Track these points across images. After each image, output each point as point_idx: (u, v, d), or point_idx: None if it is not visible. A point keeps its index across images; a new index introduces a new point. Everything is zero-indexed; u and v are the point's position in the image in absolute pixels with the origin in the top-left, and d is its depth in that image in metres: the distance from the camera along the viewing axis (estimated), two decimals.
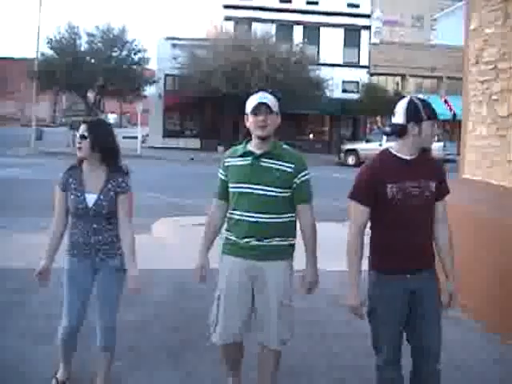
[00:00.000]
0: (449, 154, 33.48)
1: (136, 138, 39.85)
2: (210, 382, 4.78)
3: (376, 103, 39.35)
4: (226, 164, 4.15)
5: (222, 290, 4.13)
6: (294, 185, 4.02)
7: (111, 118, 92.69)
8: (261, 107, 3.97)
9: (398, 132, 3.73)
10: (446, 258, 3.89)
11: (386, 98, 38.91)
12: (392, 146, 3.81)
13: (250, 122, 4.04)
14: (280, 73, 36.40)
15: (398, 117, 3.74)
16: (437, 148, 34.21)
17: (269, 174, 3.97)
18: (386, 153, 3.81)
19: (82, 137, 4.16)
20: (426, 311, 3.79)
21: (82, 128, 4.18)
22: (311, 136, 46.02)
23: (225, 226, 4.26)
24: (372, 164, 3.78)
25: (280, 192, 3.98)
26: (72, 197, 4.19)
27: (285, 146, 4.15)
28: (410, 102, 3.70)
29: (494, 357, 5.58)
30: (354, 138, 43.55)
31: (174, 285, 7.57)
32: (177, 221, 11.71)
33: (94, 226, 4.20)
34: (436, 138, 43.65)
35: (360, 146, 35.06)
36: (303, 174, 4.05)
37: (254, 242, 4.01)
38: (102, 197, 4.18)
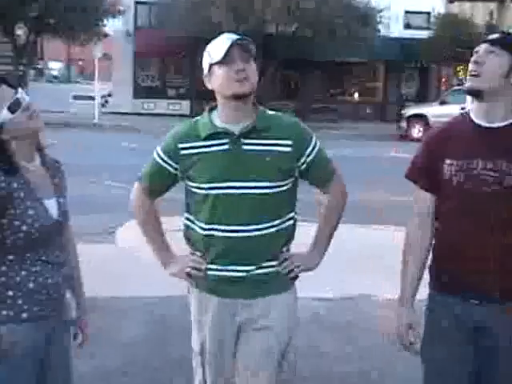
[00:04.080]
0: None
1: (93, 98, 39.92)
2: None
3: (457, 44, 39.05)
4: (182, 152, 3.88)
5: (205, 344, 4.11)
6: (304, 166, 3.92)
7: (54, 67, 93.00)
8: (235, 50, 3.75)
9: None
10: None
11: (473, 36, 38.67)
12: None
13: (218, 76, 3.82)
14: (310, 0, 36.34)
15: None
16: None
17: (258, 161, 3.81)
18: (461, 117, 3.83)
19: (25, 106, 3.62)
20: (498, 367, 3.70)
21: (21, 91, 3.66)
22: (356, 96, 46.08)
23: (191, 244, 4.13)
24: (433, 131, 3.86)
25: (278, 186, 3.85)
26: (30, 211, 3.61)
27: (271, 113, 4.00)
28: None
29: None
30: (423, 98, 43.47)
31: (150, 318, 7.64)
32: None
33: (57, 252, 3.81)
34: None
35: (431, 109, 35.20)
36: (311, 148, 3.94)
37: (247, 272, 3.90)
38: (61, 200, 3.86)
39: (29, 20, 40.07)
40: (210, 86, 3.92)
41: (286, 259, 3.97)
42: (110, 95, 47.03)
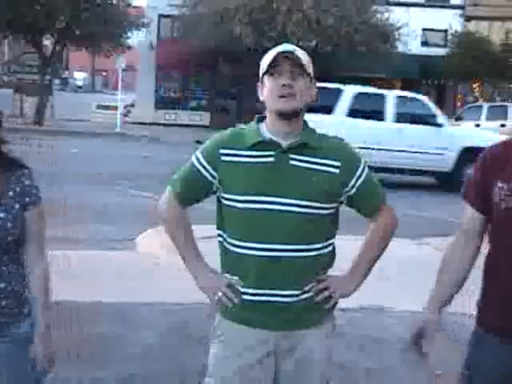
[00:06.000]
0: None
1: (115, 108, 39.99)
2: None
3: (473, 62, 39.08)
4: (224, 158, 3.56)
5: (227, 381, 3.64)
6: (352, 191, 3.61)
7: (79, 77, 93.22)
8: (284, 62, 3.47)
9: None
10: None
11: (488, 55, 38.67)
12: None
13: (265, 88, 3.56)
14: (329, 16, 36.37)
15: None
16: None
17: (303, 179, 3.49)
18: None
19: None
20: None
21: None
22: None
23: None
24: (487, 150, 3.59)
25: (321, 208, 3.53)
26: None
27: (321, 133, 3.68)
28: None
29: None
30: None
31: (168, 327, 7.59)
32: None
33: None
34: None
35: None
36: (359, 172, 3.60)
37: (287, 298, 3.55)
38: (1, 214, 3.54)
39: (55, 31, 40.15)
40: (261, 98, 3.63)
41: (324, 289, 3.61)
42: (132, 105, 47.09)
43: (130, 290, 8.88)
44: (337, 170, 3.52)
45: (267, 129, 3.57)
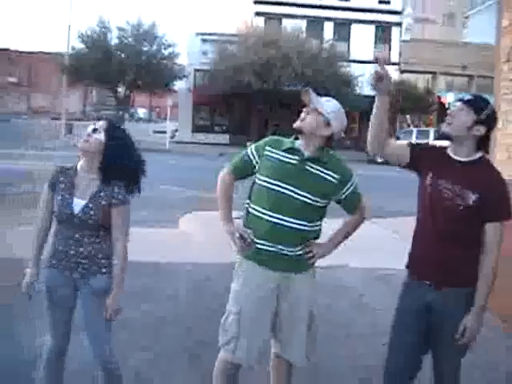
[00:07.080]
0: None
1: (165, 132, 40.07)
2: None
3: (406, 101, 39.14)
4: (266, 153, 3.81)
5: (245, 305, 3.79)
6: (342, 196, 3.81)
7: (140, 112, 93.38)
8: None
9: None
10: (477, 291, 3.50)
11: (416, 96, 38.75)
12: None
13: None
14: (310, 69, 36.39)
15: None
16: None
17: (313, 181, 3.72)
18: (444, 148, 3.63)
19: (94, 130, 3.76)
20: (441, 334, 3.59)
21: (99, 123, 3.81)
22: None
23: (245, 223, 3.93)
24: (434, 145, 3.71)
25: (320, 201, 3.73)
26: (59, 198, 3.75)
27: (331, 152, 3.85)
28: (493, 108, 3.48)
29: None
30: None
31: (194, 280, 7.58)
32: (205, 215, 11.63)
33: (77, 235, 3.73)
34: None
35: None
36: (349, 184, 3.81)
37: (287, 251, 3.74)
38: (90, 204, 3.72)
39: (126, 82, 40.65)
40: None
41: (310, 251, 3.82)
42: (176, 130, 47.10)
43: (169, 253, 8.85)
44: (335, 181, 3.74)
45: (300, 142, 3.81)
